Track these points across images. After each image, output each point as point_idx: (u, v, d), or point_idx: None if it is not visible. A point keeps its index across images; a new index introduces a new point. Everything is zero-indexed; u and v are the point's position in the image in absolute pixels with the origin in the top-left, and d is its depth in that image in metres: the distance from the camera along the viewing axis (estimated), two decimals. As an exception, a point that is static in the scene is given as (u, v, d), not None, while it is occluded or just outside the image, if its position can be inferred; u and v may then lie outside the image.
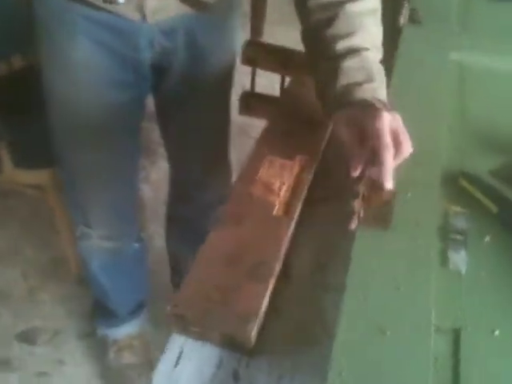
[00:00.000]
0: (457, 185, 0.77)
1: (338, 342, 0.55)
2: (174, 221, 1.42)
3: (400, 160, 0.66)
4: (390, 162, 0.63)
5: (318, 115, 0.87)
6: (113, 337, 1.47)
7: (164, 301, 1.71)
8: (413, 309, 0.58)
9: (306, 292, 0.65)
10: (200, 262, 0.62)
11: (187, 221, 1.34)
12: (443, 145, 0.81)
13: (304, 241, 0.70)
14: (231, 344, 0.57)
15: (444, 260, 0.66)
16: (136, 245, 1.27)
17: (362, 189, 0.70)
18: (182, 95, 1.04)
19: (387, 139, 0.63)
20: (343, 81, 0.69)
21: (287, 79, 0.98)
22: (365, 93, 0.68)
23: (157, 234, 1.85)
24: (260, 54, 0.91)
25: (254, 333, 0.56)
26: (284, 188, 0.72)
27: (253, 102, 0.98)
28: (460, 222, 0.71)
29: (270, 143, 0.80)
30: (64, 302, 1.69)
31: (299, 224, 0.70)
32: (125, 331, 1.46)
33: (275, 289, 0.62)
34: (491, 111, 0.94)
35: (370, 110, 0.66)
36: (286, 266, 0.66)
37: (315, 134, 0.83)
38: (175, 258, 1.54)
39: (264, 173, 0.74)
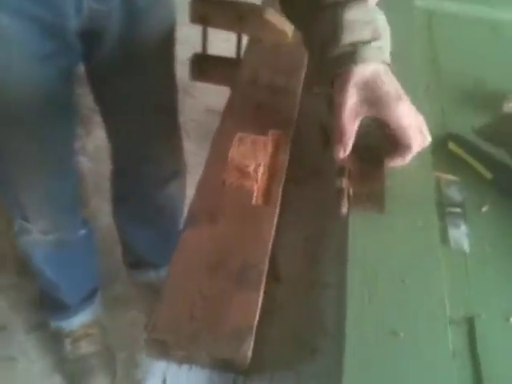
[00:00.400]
0: (445, 149, 0.71)
1: (348, 352, 0.47)
2: (120, 199, 1.30)
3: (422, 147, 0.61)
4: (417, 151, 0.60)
5: (284, 80, 0.77)
6: (67, 328, 1.37)
7: (117, 281, 1.63)
8: (424, 302, 0.52)
9: (299, 292, 0.57)
10: (176, 271, 0.52)
11: (136, 200, 1.22)
12: (424, 105, 0.74)
13: (289, 231, 0.62)
14: (224, 366, 0.49)
15: (445, 238, 0.60)
16: (82, 231, 1.14)
17: (347, 164, 0.62)
18: (118, 62, 0.90)
19: (416, 127, 0.58)
20: (348, 38, 0.58)
21: (245, 39, 0.86)
22: (371, 53, 0.58)
23: (101, 210, 1.72)
24: (211, 10, 0.79)
25: (250, 352, 0.47)
26: (260, 170, 0.62)
27: (206, 65, 0.86)
28: (454, 193, 0.65)
29: (236, 117, 0.70)
30: (6, 294, 1.55)
31: (281, 211, 0.61)
32: (79, 321, 1.36)
33: (265, 293, 0.53)
34: (465, 63, 0.88)
35: (392, 92, 0.58)
36: (273, 263, 0.57)
37: (285, 102, 0.73)
38: (126, 238, 1.43)
39: (235, 153, 0.64)
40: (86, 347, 1.37)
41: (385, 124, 0.59)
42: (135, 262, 1.47)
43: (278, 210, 0.59)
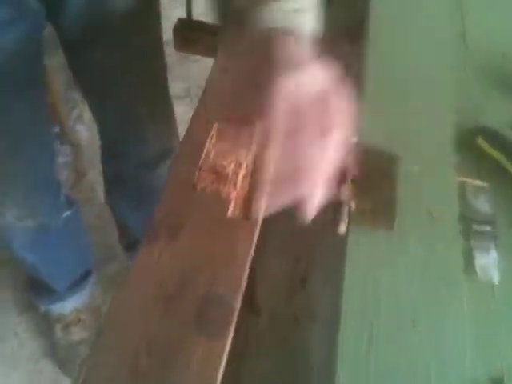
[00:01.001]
0: (473, 147, 0.57)
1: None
2: (111, 180, 1.18)
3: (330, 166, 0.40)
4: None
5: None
6: (57, 312, 1.28)
7: (113, 260, 1.54)
8: (438, 357, 0.40)
9: (282, 329, 0.45)
10: (119, 308, 0.41)
11: (127, 180, 1.11)
12: (449, 91, 0.61)
13: (272, 249, 0.50)
14: None
15: (469, 266, 0.48)
16: (66, 214, 1.04)
17: (350, 169, 0.50)
18: (88, 29, 0.76)
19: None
20: None
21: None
22: (271, 17, 0.42)
23: (97, 183, 1.62)
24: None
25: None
26: (241, 172, 0.50)
27: (191, 33, 0.72)
28: (483, 205, 0.52)
29: (218, 99, 0.57)
30: (-2, 271, 1.48)
31: (264, 223, 0.49)
32: (70, 306, 1.27)
33: (238, 330, 0.42)
34: (496, 41, 0.73)
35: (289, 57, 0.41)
36: (252, 293, 0.46)
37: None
38: (120, 219, 1.32)
39: (211, 149, 0.52)
40: (78, 333, 1.29)
41: None
42: (131, 244, 1.38)
43: (259, 226, 0.47)
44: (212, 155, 0.51)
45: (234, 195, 0.48)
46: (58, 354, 1.31)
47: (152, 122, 0.95)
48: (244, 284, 0.43)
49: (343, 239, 0.47)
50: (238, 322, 0.42)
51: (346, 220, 0.47)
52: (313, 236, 0.50)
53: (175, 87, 1.94)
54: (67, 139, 1.73)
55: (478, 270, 0.47)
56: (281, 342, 0.45)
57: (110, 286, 1.45)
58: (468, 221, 0.50)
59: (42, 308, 1.31)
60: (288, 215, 0.53)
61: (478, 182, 0.54)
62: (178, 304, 0.41)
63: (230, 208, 0.48)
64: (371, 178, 0.49)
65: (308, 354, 0.44)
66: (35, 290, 1.26)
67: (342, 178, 0.49)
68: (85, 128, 1.76)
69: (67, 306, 1.27)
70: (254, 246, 0.46)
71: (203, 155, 0.51)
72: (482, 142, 0.57)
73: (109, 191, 1.23)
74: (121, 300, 0.41)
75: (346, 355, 0.40)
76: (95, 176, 1.65)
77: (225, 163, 0.50)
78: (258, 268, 0.47)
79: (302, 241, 0.50)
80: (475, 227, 0.50)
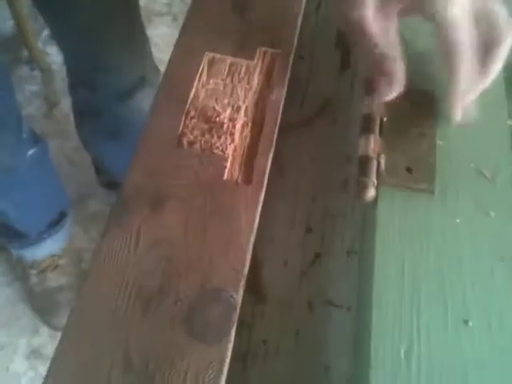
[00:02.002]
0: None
1: None
2: (80, 113, 1.05)
3: (491, 74, 0.36)
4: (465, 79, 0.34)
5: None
6: (30, 258, 1.19)
7: (94, 196, 1.44)
8: (497, 366, 0.31)
9: (293, 319, 0.36)
10: (84, 309, 0.31)
11: (97, 112, 0.98)
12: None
13: (278, 217, 0.40)
14: None
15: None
16: (32, 151, 0.92)
17: (379, 112, 0.39)
18: None
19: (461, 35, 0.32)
20: None
21: None
22: None
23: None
24: None
25: None
26: (240, 119, 0.39)
27: None
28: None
29: (206, 25, 0.45)
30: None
31: (269, 184, 0.38)
32: (44, 251, 1.18)
33: (239, 323, 0.33)
34: None
35: None
36: (256, 275, 0.36)
37: (285, 1, 0.47)
38: (94, 156, 1.21)
39: (201, 89, 0.40)
40: (54, 279, 1.21)
41: None
42: (108, 182, 1.27)
43: (264, 191, 0.36)
44: (202, 97, 0.39)
45: (232, 150, 0.37)
46: (34, 302, 1.23)
47: (120, 45, 0.82)
48: (246, 270, 0.33)
49: (371, 207, 0.37)
50: (239, 315, 0.33)
51: (375, 181, 0.37)
52: (330, 200, 0.40)
53: (153, 1, 1.75)
54: (37, 64, 1.57)
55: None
56: (293, 336, 0.36)
57: (91, 226, 1.36)
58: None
59: (14, 253, 1.21)
60: (297, 173, 0.42)
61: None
62: (163, 302, 0.31)
63: (227, 168, 0.37)
64: (406, 124, 0.38)
65: (328, 350, 0.35)
66: (4, 234, 1.16)
67: (369, 124, 0.38)
68: (57, 51, 1.59)
69: (41, 252, 1.18)
70: (257, 220, 0.35)
71: (191, 97, 0.39)
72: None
73: (79, 124, 1.10)
74: (87, 299, 0.31)
75: (379, 359, 0.31)
76: (70, 105, 1.52)
77: (218, 106, 0.39)
78: (263, 247, 0.37)
79: (316, 206, 0.40)
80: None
